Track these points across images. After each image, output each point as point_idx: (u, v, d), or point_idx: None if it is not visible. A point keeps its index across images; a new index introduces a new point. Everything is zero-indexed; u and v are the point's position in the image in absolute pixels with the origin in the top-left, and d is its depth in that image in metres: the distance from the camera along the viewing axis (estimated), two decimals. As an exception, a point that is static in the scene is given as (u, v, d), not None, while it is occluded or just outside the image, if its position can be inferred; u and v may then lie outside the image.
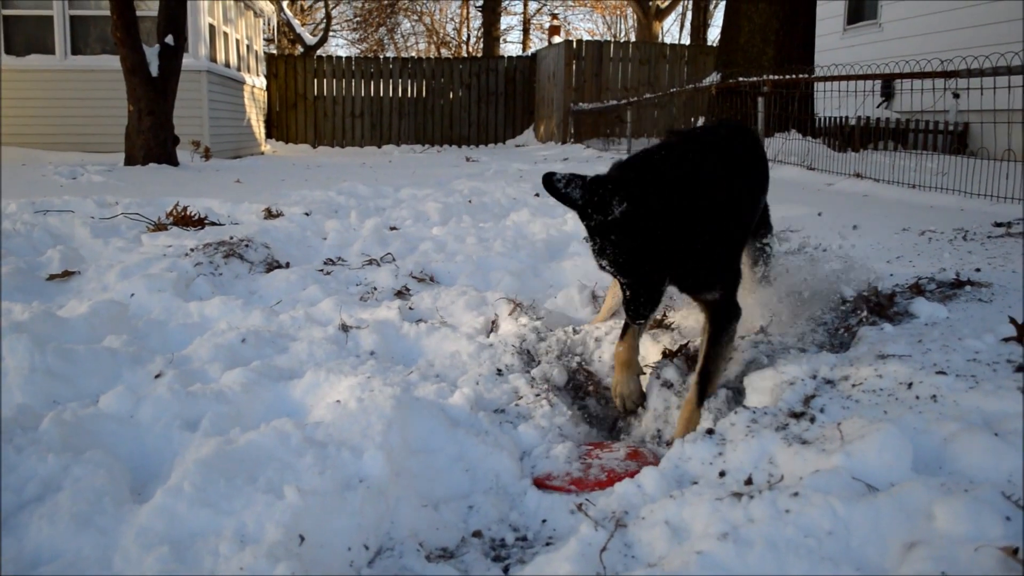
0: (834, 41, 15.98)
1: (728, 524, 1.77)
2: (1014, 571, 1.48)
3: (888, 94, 13.86)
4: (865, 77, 9.48)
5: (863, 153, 10.71)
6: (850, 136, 11.81)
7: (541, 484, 2.40)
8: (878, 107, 13.48)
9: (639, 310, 2.57)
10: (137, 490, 2.18)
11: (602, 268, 2.55)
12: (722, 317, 2.80)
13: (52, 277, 4.35)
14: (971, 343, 2.72)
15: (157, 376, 2.94)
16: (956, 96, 8.47)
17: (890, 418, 2.16)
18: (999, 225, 5.60)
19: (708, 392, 2.74)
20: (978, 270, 3.93)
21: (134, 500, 2.06)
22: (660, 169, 2.55)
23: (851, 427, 2.08)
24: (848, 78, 9.71)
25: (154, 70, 12.84)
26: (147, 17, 14.83)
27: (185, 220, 6.00)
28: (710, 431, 2.29)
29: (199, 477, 1.99)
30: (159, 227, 5.84)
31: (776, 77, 11.10)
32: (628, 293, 2.55)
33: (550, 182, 2.48)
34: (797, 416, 2.30)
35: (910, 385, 2.42)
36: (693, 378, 2.80)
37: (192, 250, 4.79)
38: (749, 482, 2.05)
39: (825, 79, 10.32)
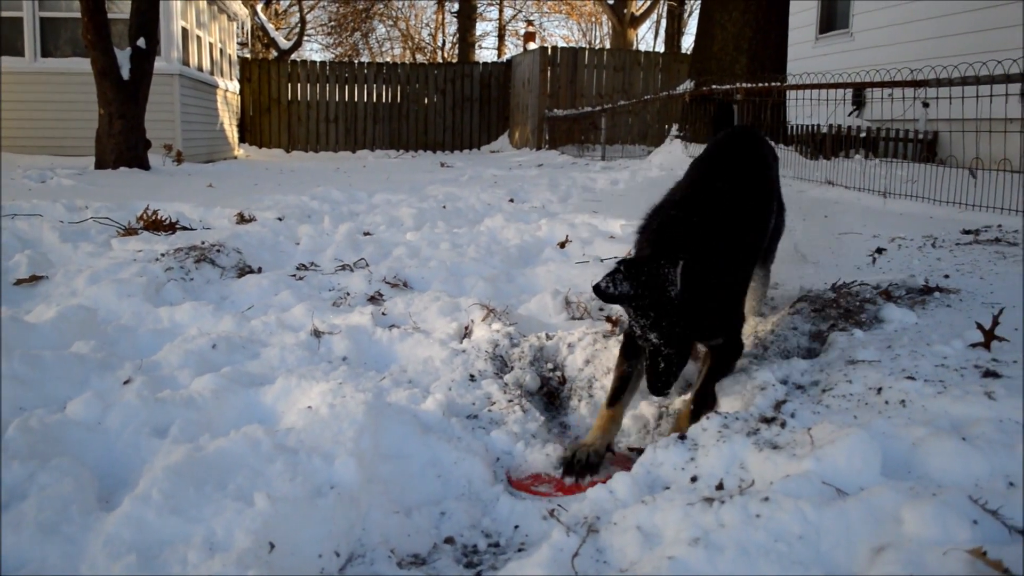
0: (806, 50, 16.14)
1: (699, 529, 1.77)
2: (982, 572, 1.50)
3: (859, 103, 14.01)
4: (837, 86, 9.58)
5: (834, 161, 10.82)
6: (822, 144, 11.92)
7: (525, 488, 2.41)
8: (849, 115, 13.62)
9: (669, 380, 2.59)
10: (105, 498, 2.15)
11: (645, 342, 2.56)
12: (726, 355, 2.86)
13: (19, 282, 4.30)
14: (939, 349, 2.75)
15: (126, 382, 2.91)
16: (926, 105, 8.57)
17: (860, 423, 2.18)
18: (967, 232, 5.67)
19: (701, 415, 2.60)
20: (947, 277, 3.98)
21: (101, 508, 2.03)
22: (696, 237, 2.60)
23: (821, 432, 2.09)
24: (820, 87, 9.80)
25: (125, 73, 12.73)
26: (119, 20, 14.70)
27: (156, 225, 5.95)
28: (682, 436, 2.29)
29: (168, 484, 1.96)
30: (129, 232, 5.79)
31: (749, 85, 11.19)
32: (663, 364, 2.56)
33: (602, 292, 2.45)
34: (768, 421, 2.32)
35: (879, 390, 2.45)
36: (689, 397, 2.81)
37: (163, 255, 4.75)
38: (720, 487, 2.05)
39: (797, 87, 10.42)
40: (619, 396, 2.74)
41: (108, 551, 1.77)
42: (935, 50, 12.09)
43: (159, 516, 1.88)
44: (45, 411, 2.54)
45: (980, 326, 2.80)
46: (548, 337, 3.47)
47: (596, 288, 2.45)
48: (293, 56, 32.03)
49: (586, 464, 2.52)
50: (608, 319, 3.55)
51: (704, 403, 2.73)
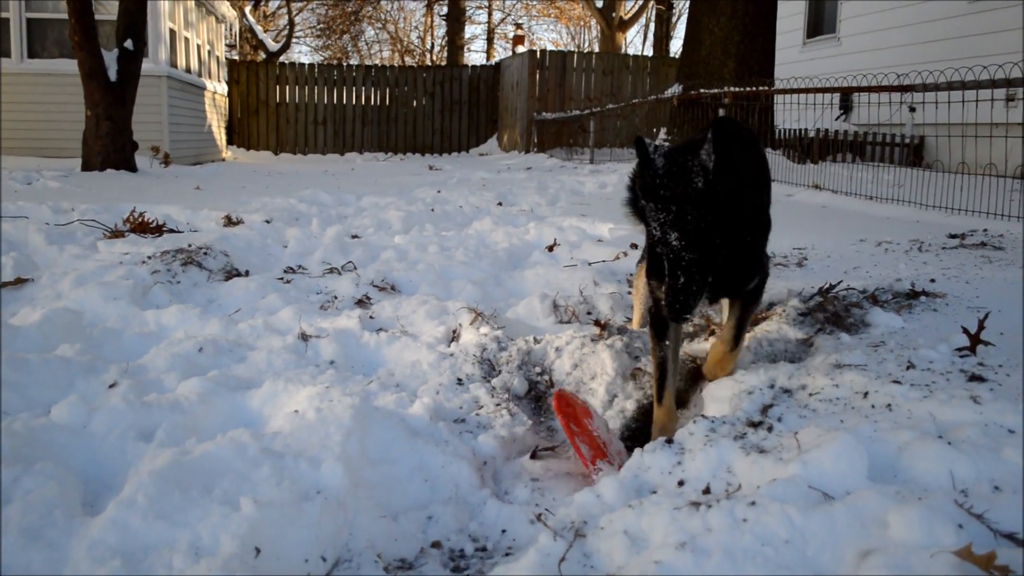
0: (794, 54, 16.22)
1: (686, 533, 1.77)
2: (969, 574, 1.50)
3: (846, 107, 14.08)
4: (824, 90, 9.62)
5: (822, 165, 10.87)
6: (809, 148, 11.98)
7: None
8: (836, 119, 13.69)
9: (688, 301, 2.39)
10: (89, 502, 2.14)
11: (665, 248, 2.40)
12: (754, 298, 2.91)
13: (4, 284, 4.27)
14: (925, 353, 2.76)
15: (111, 386, 2.89)
16: (912, 110, 8.61)
17: (846, 427, 2.19)
18: (953, 237, 5.70)
19: (740, 341, 2.89)
20: (933, 281, 3.99)
21: (86, 513, 2.01)
22: (724, 150, 2.51)
23: (808, 436, 2.10)
24: (807, 91, 9.84)
25: (112, 75, 12.67)
26: (106, 21, 14.64)
27: (143, 227, 5.92)
28: (669, 440, 2.29)
29: (153, 489, 1.95)
30: (116, 234, 5.76)
31: (737, 89, 11.22)
32: (683, 279, 2.39)
33: (642, 145, 2.43)
34: (755, 425, 2.32)
35: (866, 394, 2.46)
36: (728, 325, 2.90)
37: (149, 257, 4.73)
38: (707, 491, 2.06)
39: (785, 92, 10.46)
40: (663, 386, 2.78)
41: (92, 556, 1.76)
42: (922, 55, 12.16)
43: (144, 521, 1.87)
44: (29, 415, 2.52)
45: (966, 330, 2.81)
46: (536, 341, 3.47)
47: (638, 139, 2.43)
48: (281, 58, 31.96)
49: None
50: (596, 323, 3.55)
51: (741, 329, 2.87)
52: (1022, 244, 5.24)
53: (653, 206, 2.39)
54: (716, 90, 11.63)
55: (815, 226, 6.53)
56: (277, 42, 33.94)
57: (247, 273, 4.88)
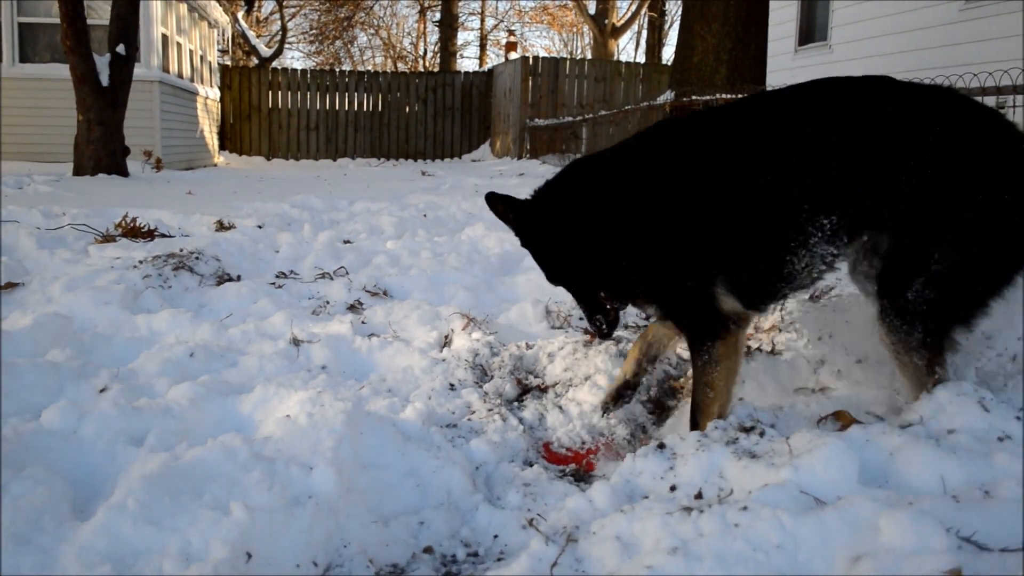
0: (785, 61, 16.26)
1: (678, 538, 1.77)
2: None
3: (837, 114, 14.10)
4: (815, 97, 9.64)
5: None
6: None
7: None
8: (828, 126, 13.69)
9: (588, 314, 2.71)
10: (79, 508, 2.12)
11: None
12: (697, 343, 2.52)
13: (-5, 289, 4.25)
14: (916, 358, 2.76)
15: (102, 391, 2.88)
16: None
17: (837, 432, 2.19)
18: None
19: (701, 426, 2.44)
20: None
21: (76, 518, 2.00)
22: (573, 183, 2.69)
23: (799, 441, 2.10)
24: (799, 98, 9.86)
25: (104, 80, 12.67)
26: (98, 26, 14.65)
27: (134, 232, 5.91)
28: (661, 445, 2.30)
29: (143, 494, 1.94)
30: (107, 239, 5.74)
31: (729, 96, 11.26)
32: (575, 298, 2.75)
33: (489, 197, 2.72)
34: (747, 430, 2.32)
35: (857, 400, 2.46)
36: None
37: (141, 262, 4.71)
38: (699, 496, 2.06)
39: (776, 98, 10.48)
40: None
41: (82, 562, 1.75)
42: (913, 63, 12.21)
43: (134, 526, 1.86)
44: (19, 420, 2.51)
45: (956, 336, 2.81)
46: (528, 346, 3.47)
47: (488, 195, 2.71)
48: (274, 64, 31.97)
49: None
50: (587, 329, 3.55)
51: (696, 413, 2.52)
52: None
53: None
54: (708, 96, 11.67)
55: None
56: (270, 47, 33.96)
57: (239, 278, 4.87)
